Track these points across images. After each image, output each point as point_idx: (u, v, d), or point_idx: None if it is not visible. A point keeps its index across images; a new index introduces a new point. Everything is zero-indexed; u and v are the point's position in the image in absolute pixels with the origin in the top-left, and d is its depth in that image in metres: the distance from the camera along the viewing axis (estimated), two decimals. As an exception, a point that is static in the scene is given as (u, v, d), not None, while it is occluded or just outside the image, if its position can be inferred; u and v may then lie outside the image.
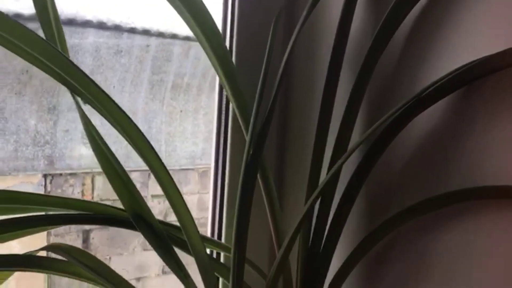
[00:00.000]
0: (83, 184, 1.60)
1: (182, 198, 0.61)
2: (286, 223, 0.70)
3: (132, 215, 0.61)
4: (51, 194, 1.41)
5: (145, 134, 0.58)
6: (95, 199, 1.44)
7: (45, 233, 1.67)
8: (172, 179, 0.60)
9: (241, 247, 0.63)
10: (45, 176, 1.63)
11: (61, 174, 1.68)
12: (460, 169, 0.61)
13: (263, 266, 0.73)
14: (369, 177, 0.65)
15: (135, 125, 0.56)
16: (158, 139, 1.75)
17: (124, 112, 0.55)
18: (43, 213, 0.61)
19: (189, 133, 2.00)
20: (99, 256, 1.51)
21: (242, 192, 0.62)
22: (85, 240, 1.48)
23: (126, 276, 1.77)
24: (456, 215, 0.62)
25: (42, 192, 1.42)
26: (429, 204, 0.63)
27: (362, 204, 0.72)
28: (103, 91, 0.55)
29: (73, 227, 1.74)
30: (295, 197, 0.82)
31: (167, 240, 0.62)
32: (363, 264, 0.70)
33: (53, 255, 0.61)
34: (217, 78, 0.83)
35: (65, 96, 1.68)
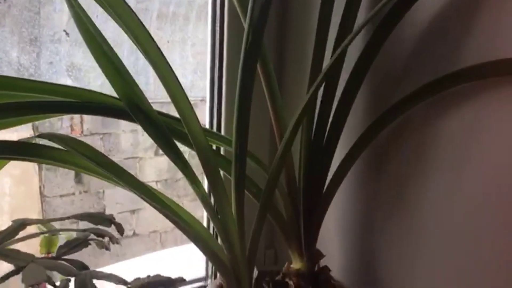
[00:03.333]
0: (72, 118, 1.56)
1: (180, 86, 0.58)
2: (287, 113, 0.67)
3: (128, 104, 0.57)
4: (38, 129, 1.32)
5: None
6: (85, 133, 1.39)
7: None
8: (168, 64, 0.56)
9: (242, 138, 0.60)
10: (31, 109, 1.58)
11: (48, 107, 1.63)
12: (475, 43, 0.58)
13: (264, 159, 0.70)
14: (375, 60, 0.62)
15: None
16: (147, 71, 1.69)
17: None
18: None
19: (178, 64, 1.95)
20: (92, 190, 1.47)
21: (241, 81, 0.59)
22: (77, 174, 1.42)
23: (120, 208, 1.74)
24: (469, 94, 0.59)
25: (28, 127, 1.34)
26: (439, 84, 0.60)
27: (368, 91, 0.69)
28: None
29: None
30: (297, 86, 0.79)
31: (166, 131, 0.59)
32: (368, 154, 0.68)
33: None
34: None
35: (46, 27, 1.60)
